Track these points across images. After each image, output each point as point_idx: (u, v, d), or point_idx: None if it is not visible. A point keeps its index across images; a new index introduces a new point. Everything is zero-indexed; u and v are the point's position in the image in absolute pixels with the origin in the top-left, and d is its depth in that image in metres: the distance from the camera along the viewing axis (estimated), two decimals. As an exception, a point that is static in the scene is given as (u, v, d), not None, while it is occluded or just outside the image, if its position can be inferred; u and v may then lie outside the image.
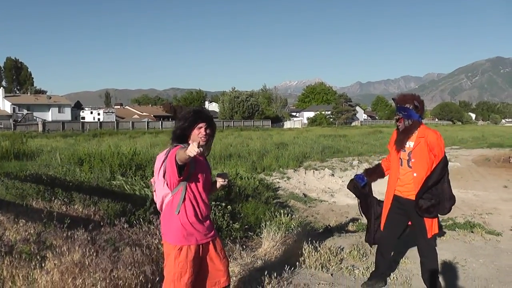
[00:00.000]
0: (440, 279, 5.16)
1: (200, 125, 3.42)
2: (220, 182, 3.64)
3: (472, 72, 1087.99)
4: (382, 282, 4.92)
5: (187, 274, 3.35)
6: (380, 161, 5.25)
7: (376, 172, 5.10)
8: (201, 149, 3.01)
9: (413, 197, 4.53)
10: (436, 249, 4.80)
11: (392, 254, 5.06)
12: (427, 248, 4.66)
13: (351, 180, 5.24)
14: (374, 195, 5.12)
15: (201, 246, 3.46)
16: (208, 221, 3.53)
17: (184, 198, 3.38)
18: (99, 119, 75.30)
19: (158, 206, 3.57)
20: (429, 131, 4.51)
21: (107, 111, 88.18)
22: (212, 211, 6.37)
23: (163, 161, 3.38)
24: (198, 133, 3.41)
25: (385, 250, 4.91)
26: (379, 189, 5.06)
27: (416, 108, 4.55)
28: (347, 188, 5.32)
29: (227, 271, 3.65)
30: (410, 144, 4.57)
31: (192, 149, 2.94)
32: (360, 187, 5.10)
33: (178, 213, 3.37)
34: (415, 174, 4.52)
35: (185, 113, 3.50)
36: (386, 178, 4.95)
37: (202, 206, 3.46)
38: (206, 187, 3.53)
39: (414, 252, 6.19)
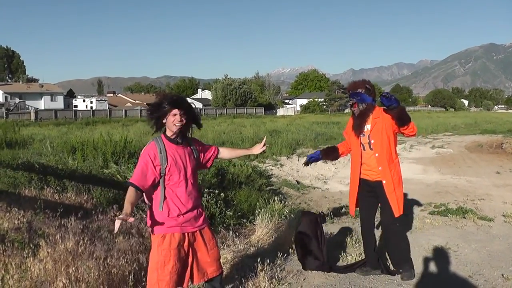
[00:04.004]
0: (433, 264, 5.21)
1: (174, 111, 3.38)
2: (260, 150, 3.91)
3: (465, 59, 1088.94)
4: (377, 269, 4.94)
5: (170, 262, 3.33)
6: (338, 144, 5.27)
7: (332, 153, 5.15)
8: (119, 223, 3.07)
9: (379, 178, 4.62)
10: (402, 230, 4.92)
11: (375, 236, 5.08)
12: (394, 227, 4.74)
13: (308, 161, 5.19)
14: (338, 180, 5.14)
15: (186, 234, 3.44)
16: (194, 212, 3.50)
17: (165, 196, 3.40)
18: (91, 107, 74.90)
19: (145, 199, 3.58)
20: (382, 110, 4.55)
21: (99, 99, 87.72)
22: (205, 198, 6.37)
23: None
24: (173, 120, 3.38)
25: (369, 236, 4.93)
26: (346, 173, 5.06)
27: (368, 91, 4.61)
28: (308, 162, 5.19)
29: (216, 262, 3.63)
30: (367, 127, 4.64)
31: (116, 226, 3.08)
32: (316, 157, 5.09)
33: (162, 209, 3.39)
34: (377, 155, 4.60)
35: (158, 101, 3.44)
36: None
37: (186, 201, 3.44)
38: (190, 177, 3.50)
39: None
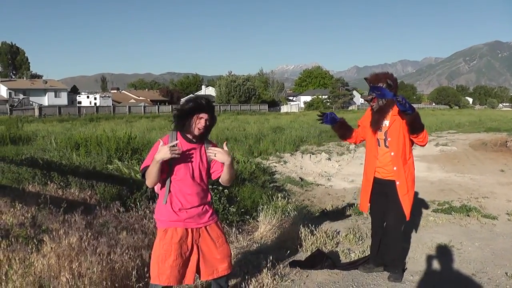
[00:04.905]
0: (436, 262, 5.20)
1: (202, 115, 3.39)
2: (215, 157, 3.45)
3: (470, 56, 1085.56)
4: (380, 266, 4.92)
5: (171, 257, 3.34)
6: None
7: (345, 130, 4.99)
8: (176, 152, 3.22)
9: (392, 178, 4.53)
10: (402, 235, 4.87)
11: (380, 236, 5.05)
12: (397, 228, 4.69)
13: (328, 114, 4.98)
14: (341, 177, 5.01)
15: (190, 230, 3.44)
16: (199, 209, 3.48)
17: (170, 190, 3.41)
18: (95, 103, 75.11)
19: (155, 189, 3.60)
20: None
21: (103, 95, 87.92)
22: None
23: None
24: (198, 123, 3.39)
25: (375, 232, 4.90)
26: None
27: (389, 87, 4.43)
28: (322, 119, 4.99)
29: (227, 260, 3.60)
30: (385, 123, 4.52)
31: (166, 152, 3.20)
32: (331, 119, 4.90)
33: (166, 203, 3.41)
34: (392, 154, 4.50)
35: (189, 100, 3.46)
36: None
37: (191, 197, 3.43)
38: (200, 177, 3.49)
39: (410, 236, 6.22)
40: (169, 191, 3.41)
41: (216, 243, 3.54)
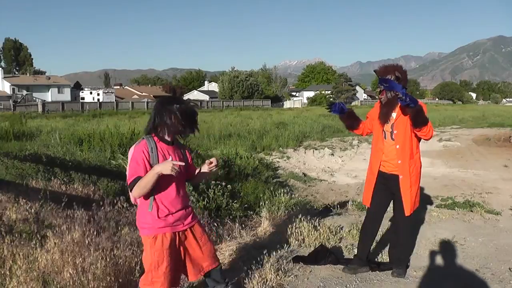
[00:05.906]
0: (440, 257, 5.19)
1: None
2: (208, 169, 3.50)
3: (474, 51, 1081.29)
4: (365, 266, 4.80)
5: (164, 263, 3.29)
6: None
7: (353, 121, 4.92)
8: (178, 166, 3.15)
9: (396, 172, 4.47)
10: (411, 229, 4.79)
11: (376, 234, 4.98)
12: (405, 224, 4.65)
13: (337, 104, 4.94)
14: (344, 173, 4.98)
15: (177, 233, 3.40)
16: (183, 211, 3.44)
17: (154, 198, 3.30)
18: (98, 99, 75.10)
19: (132, 200, 3.49)
20: None
21: (106, 91, 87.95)
22: (212, 190, 6.37)
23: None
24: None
25: (370, 229, 4.80)
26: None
27: (397, 79, 4.33)
28: (330, 106, 4.96)
29: (211, 255, 3.59)
30: (393, 115, 4.44)
31: (168, 167, 3.08)
32: (340, 109, 4.85)
33: (151, 210, 3.30)
34: (397, 147, 4.43)
35: (182, 101, 3.36)
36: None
37: (175, 201, 3.37)
38: (181, 180, 3.45)
39: (413, 231, 6.21)
40: (154, 197, 3.30)
41: (199, 242, 3.53)
